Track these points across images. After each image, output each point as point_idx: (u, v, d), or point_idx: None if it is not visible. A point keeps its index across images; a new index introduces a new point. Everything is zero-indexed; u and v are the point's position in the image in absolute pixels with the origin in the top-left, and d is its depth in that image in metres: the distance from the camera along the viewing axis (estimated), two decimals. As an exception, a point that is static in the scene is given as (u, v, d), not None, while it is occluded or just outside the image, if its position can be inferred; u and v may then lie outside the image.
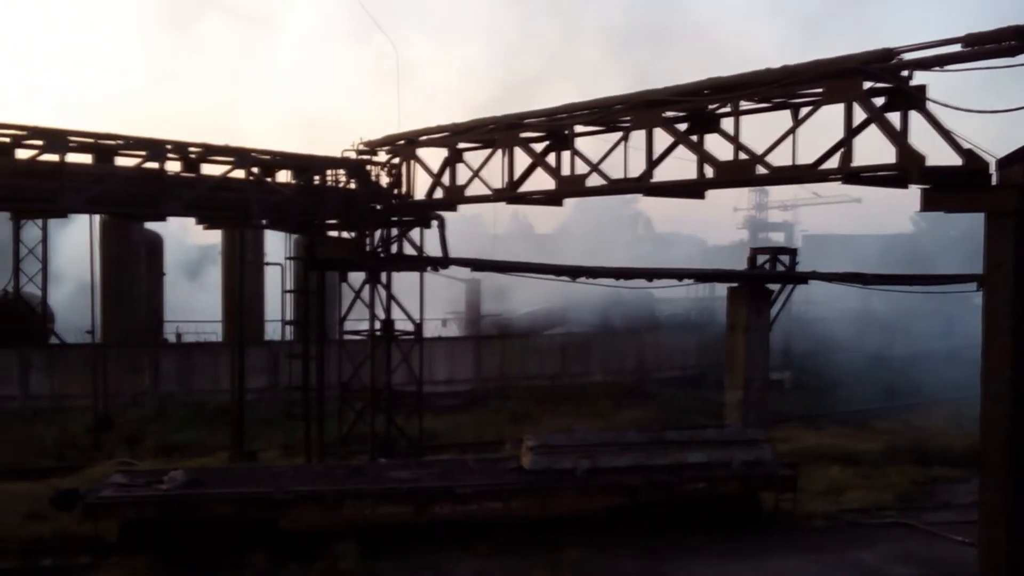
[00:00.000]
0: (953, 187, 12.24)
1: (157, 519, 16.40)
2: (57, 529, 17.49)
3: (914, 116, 12.87)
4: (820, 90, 13.71)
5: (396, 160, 22.02)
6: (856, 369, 40.47)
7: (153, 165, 18.96)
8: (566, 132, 17.66)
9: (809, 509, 19.96)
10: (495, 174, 18.99)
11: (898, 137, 12.75)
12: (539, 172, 18.27)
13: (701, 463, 18.87)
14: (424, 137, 20.90)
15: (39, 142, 17.53)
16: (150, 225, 34.42)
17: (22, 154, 17.66)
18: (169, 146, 19.27)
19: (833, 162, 13.64)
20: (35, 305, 36.26)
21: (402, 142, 21.52)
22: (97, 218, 27.61)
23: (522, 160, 18.45)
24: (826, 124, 14.04)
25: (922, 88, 12.76)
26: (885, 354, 43.64)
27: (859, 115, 13.15)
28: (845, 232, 73.37)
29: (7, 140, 17.43)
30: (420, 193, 21.45)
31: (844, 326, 45.51)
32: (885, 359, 42.99)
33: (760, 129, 15.29)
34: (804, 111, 14.39)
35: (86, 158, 18.59)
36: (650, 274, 26.40)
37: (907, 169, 12.63)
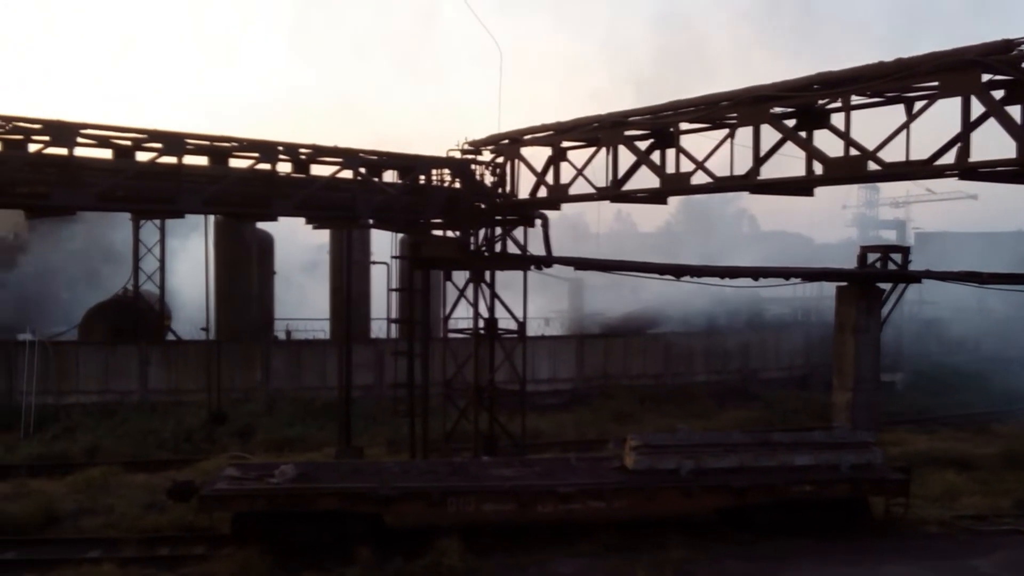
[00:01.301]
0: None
1: (268, 512, 16.83)
2: (174, 520, 18.14)
3: (1036, 109, 12.41)
4: (936, 83, 13.31)
5: (500, 159, 22.12)
6: (972, 371, 39.16)
7: (265, 166, 19.43)
8: (671, 130, 17.51)
9: (922, 515, 19.34)
10: (599, 172, 18.96)
11: (1018, 131, 12.30)
12: (643, 170, 18.15)
13: (808, 465, 18.49)
14: (528, 136, 20.96)
15: (158, 145, 18.12)
16: (261, 225, 35.33)
17: (142, 157, 18.27)
18: (280, 148, 19.72)
19: (949, 157, 13.23)
20: (153, 303, 37.61)
21: (506, 141, 21.62)
22: (211, 218, 28.44)
23: (626, 158, 18.37)
24: (941, 118, 13.64)
25: (1045, 80, 12.30)
26: (1002, 355, 42.10)
27: (977, 109, 12.73)
28: (960, 230, 70.96)
29: (128, 143, 18.04)
30: (524, 192, 21.52)
31: (959, 326, 44.09)
32: (1002, 360, 41.45)
33: (871, 124, 14.95)
34: (918, 105, 14.00)
35: (202, 160, 19.15)
36: (756, 273, 25.97)
37: (1028, 164, 12.19)
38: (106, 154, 18.07)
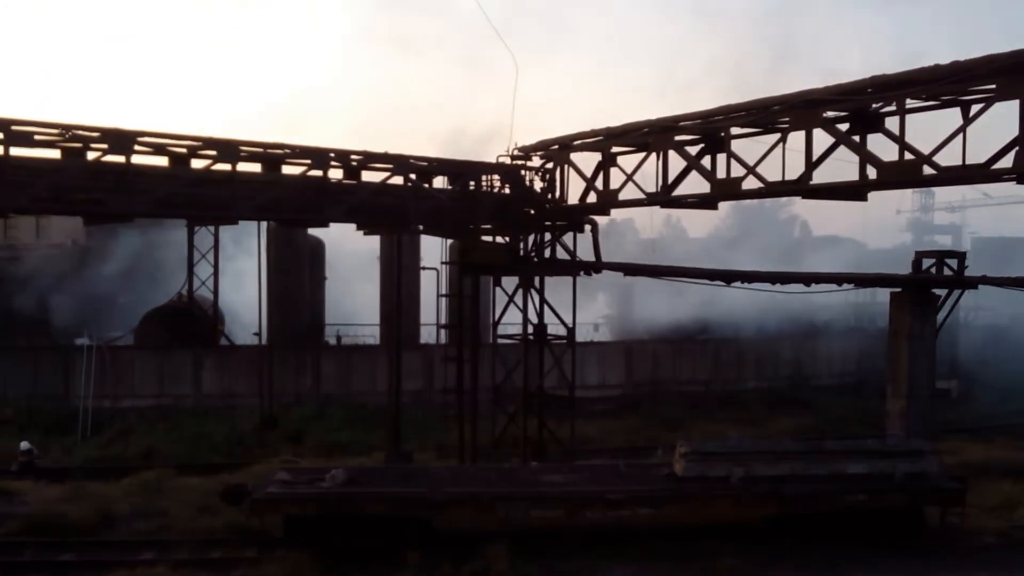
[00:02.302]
0: None
1: (319, 515, 16.96)
2: (227, 522, 18.35)
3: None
4: (993, 86, 13.11)
5: (550, 165, 22.14)
6: (1030, 379, 38.34)
7: (317, 173, 19.64)
8: (721, 134, 17.42)
9: (979, 524, 18.97)
10: (649, 178, 18.92)
11: (1079, 134, 12.07)
12: (693, 175, 18.09)
13: (862, 474, 18.23)
14: (578, 141, 20.96)
15: (213, 152, 18.39)
16: (313, 231, 35.64)
17: (196, 164, 18.55)
18: (332, 155, 19.93)
19: (1006, 161, 13.01)
20: (207, 308, 38.10)
21: (555, 147, 21.64)
22: (263, 225, 28.76)
23: (676, 163, 18.33)
24: (998, 122, 13.42)
25: (1107, 81, 12.06)
26: (1061, 363, 41.17)
27: (1035, 111, 12.52)
28: (1018, 235, 69.58)
29: (184, 151, 18.35)
30: (573, 198, 21.51)
31: (1016, 334, 43.20)
32: (1061, 368, 40.54)
33: (926, 128, 14.75)
34: (975, 109, 13.79)
35: (255, 167, 19.40)
36: (808, 279, 25.65)
37: (1089, 168, 11.96)
38: (162, 161, 18.40)
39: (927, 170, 13.92)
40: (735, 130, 17.35)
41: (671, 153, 18.30)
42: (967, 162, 13.68)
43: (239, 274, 37.32)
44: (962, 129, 13.69)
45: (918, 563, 17.03)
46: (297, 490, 17.33)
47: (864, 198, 16.17)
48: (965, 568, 16.84)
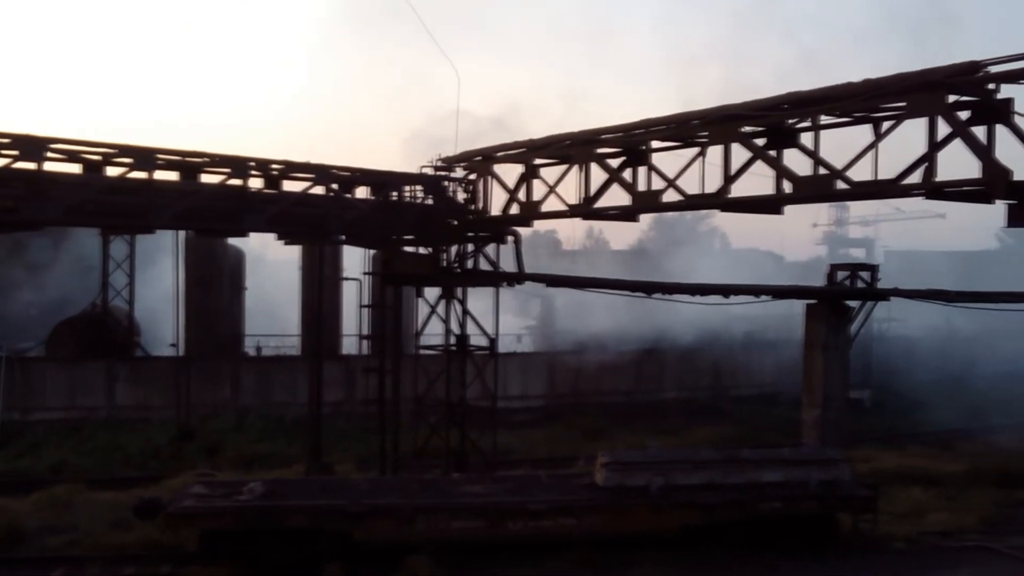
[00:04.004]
0: (1041, 202, 11.94)
1: (235, 529, 16.66)
2: (140, 538, 17.92)
3: (1000, 130, 12.59)
4: (903, 104, 13.49)
5: (472, 176, 22.18)
6: (939, 389, 39.48)
7: (237, 182, 19.36)
8: (642, 147, 17.62)
9: (889, 531, 19.46)
10: (571, 190, 19.04)
11: (983, 151, 12.48)
12: (615, 188, 18.23)
13: (777, 482, 18.57)
14: (500, 153, 21.02)
15: (128, 160, 18.02)
16: (232, 240, 35.13)
17: (112, 172, 18.16)
18: (252, 163, 19.67)
19: (916, 177, 13.37)
20: (122, 318, 37.27)
21: (479, 158, 21.68)
22: (182, 234, 28.27)
23: (598, 176, 18.45)
24: (908, 139, 13.81)
25: (1009, 102, 12.48)
26: (969, 374, 42.47)
27: (943, 129, 12.90)
28: (928, 248, 71.70)
29: (98, 158, 17.93)
30: (496, 209, 21.56)
31: (927, 345, 44.44)
32: (969, 379, 41.83)
33: (840, 144, 15.11)
34: (886, 125, 14.17)
35: (173, 175, 19.06)
36: (726, 290, 26.08)
37: (992, 184, 12.37)
38: (76, 169, 17.96)
39: (840, 185, 14.23)
40: (656, 143, 17.57)
41: (593, 165, 18.46)
42: (879, 177, 14.03)
43: (156, 284, 36.58)
44: (874, 145, 14.03)
45: (830, 569, 17.40)
46: (213, 503, 16.99)
47: (780, 211, 16.48)
48: (873, 573, 17.26)
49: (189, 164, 19.03)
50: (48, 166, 17.06)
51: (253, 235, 22.25)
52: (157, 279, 36.28)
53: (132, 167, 17.99)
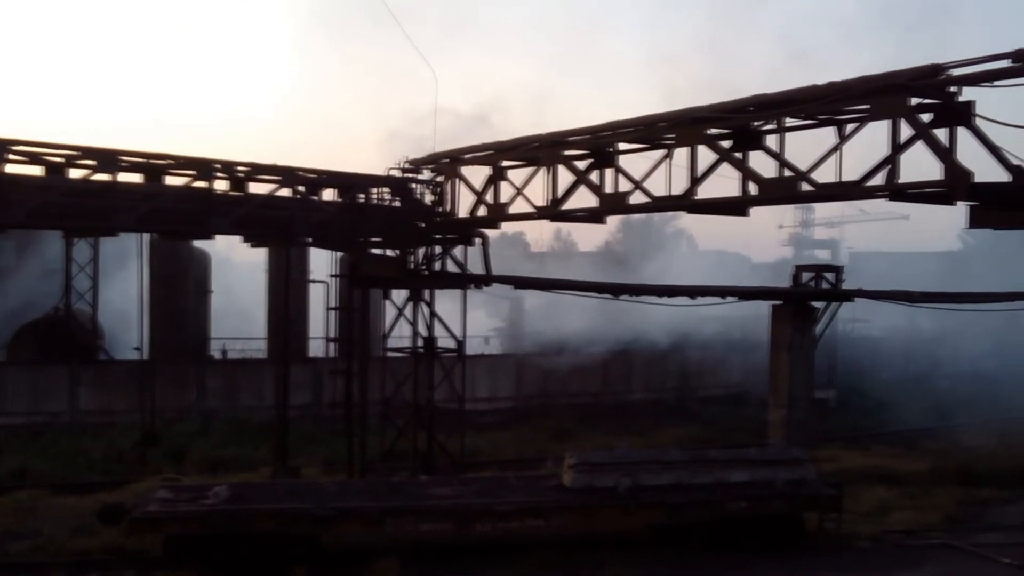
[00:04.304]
0: (1001, 204, 12.10)
1: (201, 534, 16.51)
2: (104, 543, 17.69)
3: (961, 132, 12.75)
4: (866, 106, 13.63)
5: (440, 178, 22.15)
6: (903, 388, 39.87)
7: (202, 184, 19.21)
8: (609, 149, 17.67)
9: (854, 530, 19.65)
10: (538, 192, 19.07)
11: (945, 153, 12.64)
12: (582, 190, 18.28)
13: (744, 482, 18.71)
14: (468, 155, 21.01)
15: (91, 162, 17.83)
16: (198, 243, 34.83)
17: (75, 174, 17.96)
18: (217, 165, 19.53)
19: (879, 179, 13.52)
20: (85, 322, 36.84)
21: (446, 160, 21.65)
22: (146, 236, 28.00)
23: (565, 178, 18.51)
24: (872, 141, 13.95)
25: (970, 104, 12.64)
26: (933, 373, 42.97)
27: (906, 131, 13.06)
28: (892, 249, 72.54)
29: (60, 160, 17.74)
30: (463, 211, 21.55)
31: (891, 345, 44.90)
32: (933, 378, 42.32)
33: (805, 146, 15.24)
34: (850, 128, 14.31)
35: (137, 178, 18.87)
36: (693, 291, 26.24)
37: (954, 186, 12.54)
38: (38, 171, 17.75)
39: (805, 186, 14.36)
40: (623, 145, 17.62)
41: (560, 167, 18.50)
42: (843, 179, 14.16)
43: (123, 287, 36.20)
44: (837, 148, 14.17)
45: (797, 568, 17.53)
46: (178, 508, 16.84)
47: (746, 213, 16.59)
48: (841, 572, 17.41)
49: (153, 166, 18.85)
50: (10, 168, 16.86)
51: (219, 238, 22.11)
52: (124, 282, 35.91)
53: (95, 169, 17.80)
